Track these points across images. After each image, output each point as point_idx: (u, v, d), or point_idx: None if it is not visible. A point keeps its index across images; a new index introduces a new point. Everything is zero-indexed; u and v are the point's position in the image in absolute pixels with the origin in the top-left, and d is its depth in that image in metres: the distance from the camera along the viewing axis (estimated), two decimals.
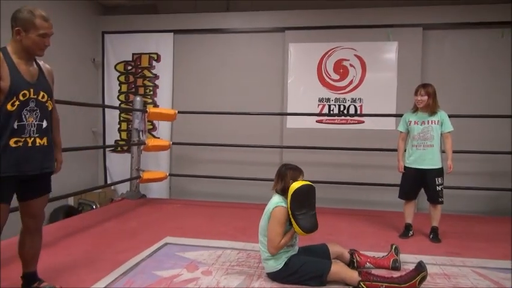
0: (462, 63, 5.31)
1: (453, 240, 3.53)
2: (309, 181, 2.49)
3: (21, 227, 2.17)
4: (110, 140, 6.30)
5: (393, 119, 5.24)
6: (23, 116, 1.96)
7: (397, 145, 3.75)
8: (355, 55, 5.51)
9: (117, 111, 6.32)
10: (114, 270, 2.59)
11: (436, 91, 3.53)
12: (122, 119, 6.32)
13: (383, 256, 2.76)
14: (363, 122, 5.46)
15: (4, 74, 1.89)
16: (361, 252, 2.76)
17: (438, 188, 3.49)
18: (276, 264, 2.45)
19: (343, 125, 5.52)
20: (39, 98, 2.03)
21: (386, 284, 2.37)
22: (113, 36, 6.21)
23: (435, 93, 3.51)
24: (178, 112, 5.13)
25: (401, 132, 3.69)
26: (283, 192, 2.50)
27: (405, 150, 3.69)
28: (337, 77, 5.58)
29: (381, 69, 5.47)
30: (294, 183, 2.42)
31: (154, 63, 6.17)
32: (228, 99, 5.79)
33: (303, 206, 2.41)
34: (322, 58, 5.60)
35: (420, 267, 2.42)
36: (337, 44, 5.55)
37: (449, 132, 3.50)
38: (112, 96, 6.30)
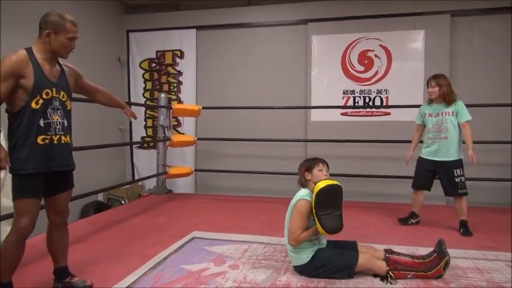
0: (493, 51, 5.10)
1: (485, 233, 3.42)
2: (335, 180, 2.44)
3: (47, 224, 2.24)
4: (136, 137, 6.43)
5: None
6: (48, 114, 2.02)
7: (412, 137, 3.73)
8: (380, 45, 5.39)
9: (143, 109, 6.43)
10: (143, 264, 2.64)
11: (449, 81, 3.43)
12: (147, 116, 6.43)
13: (425, 256, 2.48)
14: (389, 113, 5.34)
15: (29, 72, 1.95)
16: (397, 253, 2.55)
17: (457, 180, 3.39)
18: (302, 258, 2.44)
19: (369, 117, 5.42)
20: (61, 97, 2.09)
21: (413, 273, 2.37)
22: (137, 34, 6.30)
23: (449, 83, 3.41)
24: (203, 108, 5.17)
25: (418, 124, 3.65)
26: (303, 185, 2.50)
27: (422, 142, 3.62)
28: (361, 68, 5.48)
29: (407, 59, 5.33)
30: (318, 183, 2.38)
31: (178, 60, 6.23)
32: (252, 93, 5.79)
33: (328, 206, 2.36)
34: (346, 49, 5.51)
35: (442, 252, 2.40)
36: (361, 34, 5.44)
37: (466, 121, 3.37)
38: (138, 93, 6.42)
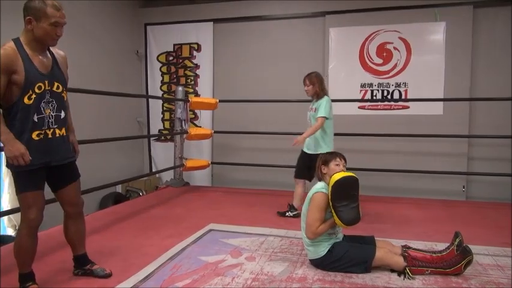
0: None
1: (506, 229, 3.35)
2: (351, 172, 2.43)
3: (64, 215, 2.26)
4: (154, 130, 6.50)
5: (441, 103, 5.01)
6: (42, 109, 1.97)
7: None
8: (400, 37, 5.29)
9: (160, 102, 6.49)
10: (161, 255, 2.68)
11: (322, 78, 3.59)
12: (164, 109, 6.48)
13: (442, 251, 2.51)
14: (408, 107, 5.26)
15: (19, 67, 1.88)
16: (414, 249, 2.54)
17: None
18: (319, 251, 2.44)
19: (387, 110, 5.35)
20: (54, 89, 2.02)
21: (431, 269, 2.34)
22: (154, 27, 6.34)
23: (321, 81, 3.57)
24: (219, 101, 5.18)
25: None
26: (319, 178, 2.50)
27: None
28: (380, 61, 5.39)
29: (428, 51, 5.22)
30: (334, 175, 2.38)
31: (195, 53, 6.25)
32: (268, 86, 5.77)
33: (344, 197, 2.35)
34: (364, 42, 5.43)
35: (466, 251, 2.35)
36: (380, 26, 5.35)
37: (320, 117, 3.49)
38: (155, 86, 6.47)
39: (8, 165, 1.99)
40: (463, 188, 4.92)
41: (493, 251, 2.80)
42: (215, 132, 5.45)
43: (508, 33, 4.95)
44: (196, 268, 2.48)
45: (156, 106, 6.51)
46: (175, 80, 6.38)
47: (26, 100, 1.92)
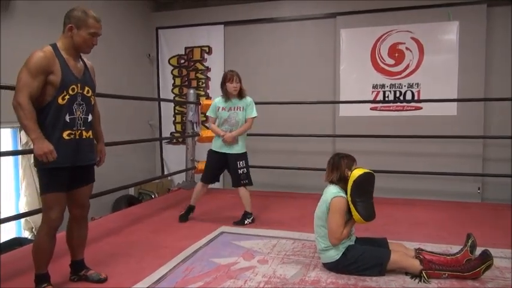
0: None
1: None
2: (368, 169, 2.44)
3: (69, 217, 2.28)
4: (165, 132, 6.55)
5: (454, 104, 4.94)
6: (73, 110, 2.07)
7: (209, 127, 3.76)
8: (412, 38, 5.24)
9: (172, 104, 6.53)
10: (174, 257, 2.69)
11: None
12: (176, 111, 6.52)
13: (456, 253, 2.50)
14: (420, 108, 5.20)
15: (56, 68, 2.00)
16: (428, 251, 2.52)
17: (240, 171, 3.61)
18: (334, 255, 2.42)
19: (399, 111, 5.29)
20: (85, 92, 2.13)
21: (449, 273, 2.30)
22: (166, 31, 6.39)
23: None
24: None
25: (212, 117, 3.70)
26: (339, 181, 2.46)
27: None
28: (392, 61, 5.35)
29: (441, 51, 5.16)
30: (355, 171, 2.39)
31: (206, 55, 6.28)
32: (280, 88, 5.76)
33: (363, 193, 2.38)
34: (376, 43, 5.39)
35: (486, 256, 2.31)
36: (391, 27, 5.31)
37: (252, 117, 3.62)
38: (167, 89, 6.52)
39: (35, 164, 2.07)
40: (478, 189, 4.84)
41: (510, 254, 2.75)
42: None
43: None
44: (209, 270, 2.49)
45: (167, 109, 6.56)
46: (186, 83, 6.42)
47: (60, 100, 2.02)
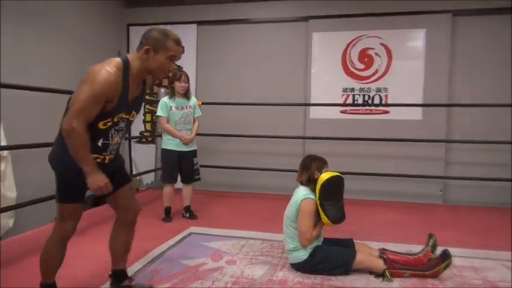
0: (493, 51, 5.10)
1: (484, 232, 3.45)
2: (337, 172, 2.48)
3: (114, 221, 2.18)
4: (135, 132, 6.42)
5: (420, 108, 5.11)
6: (110, 135, 1.90)
7: (163, 128, 3.76)
8: (381, 43, 5.38)
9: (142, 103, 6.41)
10: (141, 258, 2.65)
11: None
12: (146, 110, 6.42)
13: (418, 252, 2.59)
14: (388, 112, 5.34)
15: (115, 96, 1.79)
16: (391, 251, 2.61)
17: (195, 167, 3.85)
18: (301, 255, 2.46)
19: (368, 115, 5.42)
20: (130, 117, 1.96)
21: (410, 272, 2.39)
22: (137, 28, 6.27)
23: None
24: (202, 103, 5.16)
25: (163, 116, 3.71)
26: (309, 182, 2.50)
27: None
28: (362, 66, 5.47)
29: (408, 57, 5.32)
30: (323, 174, 2.43)
31: None
32: (251, 89, 5.78)
33: (332, 197, 2.42)
34: (346, 47, 5.50)
35: (445, 255, 2.43)
36: (362, 32, 5.42)
37: (198, 116, 3.88)
38: None
39: (55, 167, 1.90)
40: (440, 191, 5.03)
41: (469, 253, 2.88)
42: (197, 134, 5.41)
43: (484, 41, 5.10)
44: (177, 272, 2.47)
45: None
46: (157, 82, 6.32)
47: (100, 125, 1.83)
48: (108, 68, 1.78)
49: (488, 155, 4.87)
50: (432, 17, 5.16)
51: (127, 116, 1.93)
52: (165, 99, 3.76)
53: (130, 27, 6.30)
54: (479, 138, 4.66)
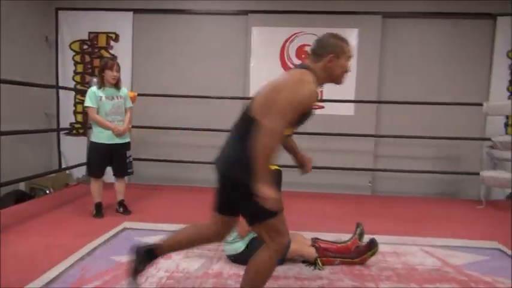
0: (419, 51, 5.48)
1: (410, 221, 3.73)
2: (276, 165, 2.52)
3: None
4: (64, 123, 6.04)
5: (352, 105, 5.37)
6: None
7: (93, 119, 3.60)
8: None
9: (73, 93, 6.04)
10: (69, 256, 2.52)
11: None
12: (77, 101, 6.06)
13: (346, 241, 2.72)
14: (323, 107, 5.55)
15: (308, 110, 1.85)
16: (323, 240, 2.73)
17: (128, 160, 3.76)
18: (237, 247, 2.48)
19: None
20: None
21: (340, 259, 2.53)
22: (67, 13, 5.88)
23: None
24: (138, 95, 4.99)
25: (94, 107, 3.55)
26: None
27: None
28: (298, 62, 5.61)
29: None
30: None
31: (112, 43, 5.92)
32: (190, 81, 5.69)
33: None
34: (285, 43, 5.61)
35: (372, 244, 2.59)
36: (299, 29, 5.56)
37: (130, 107, 3.78)
38: (67, 76, 6.01)
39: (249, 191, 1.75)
40: (369, 183, 5.35)
41: (393, 240, 3.10)
42: (133, 127, 5.23)
43: (412, 43, 5.47)
44: (108, 269, 2.38)
45: (67, 98, 6.05)
46: (90, 71, 5.99)
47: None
48: (311, 81, 1.81)
49: (412, 149, 5.26)
50: (364, 18, 5.43)
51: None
52: (93, 89, 3.57)
53: (59, 12, 5.88)
54: (404, 133, 5.02)
